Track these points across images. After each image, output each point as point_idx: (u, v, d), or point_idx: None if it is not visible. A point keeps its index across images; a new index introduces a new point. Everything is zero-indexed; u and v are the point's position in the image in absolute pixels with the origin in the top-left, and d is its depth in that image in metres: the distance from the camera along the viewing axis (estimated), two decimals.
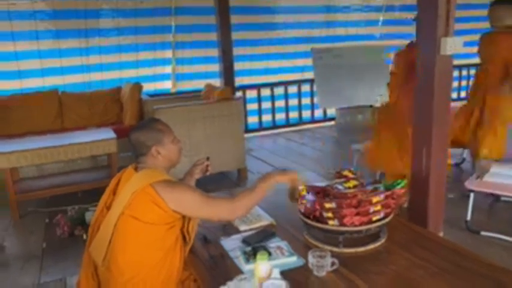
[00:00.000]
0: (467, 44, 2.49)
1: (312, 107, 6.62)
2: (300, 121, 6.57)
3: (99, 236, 1.73)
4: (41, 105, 4.59)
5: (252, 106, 6.13)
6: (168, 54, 5.70)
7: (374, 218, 1.74)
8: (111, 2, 5.15)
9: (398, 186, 1.82)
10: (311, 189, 1.87)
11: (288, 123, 6.48)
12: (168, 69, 5.77)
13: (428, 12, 2.20)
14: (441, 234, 2.50)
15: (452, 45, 2.16)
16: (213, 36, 5.38)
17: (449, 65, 2.27)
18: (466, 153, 4.09)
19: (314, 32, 6.51)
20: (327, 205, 1.73)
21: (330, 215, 1.72)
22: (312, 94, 6.55)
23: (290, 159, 4.87)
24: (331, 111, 6.75)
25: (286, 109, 6.42)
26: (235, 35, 5.22)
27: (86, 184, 3.70)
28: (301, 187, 1.83)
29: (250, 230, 1.96)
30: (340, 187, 1.88)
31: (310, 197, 1.81)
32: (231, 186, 4.02)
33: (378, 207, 1.75)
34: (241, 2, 5.69)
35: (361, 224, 1.70)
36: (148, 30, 5.42)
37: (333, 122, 6.74)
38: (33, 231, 3.28)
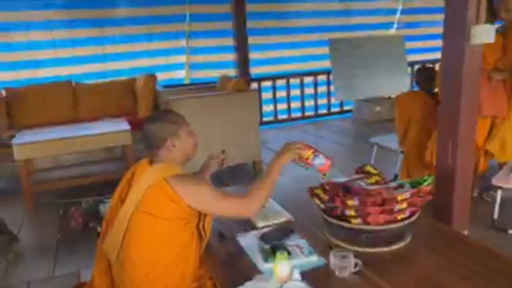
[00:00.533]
0: None
1: (329, 98, 6.48)
2: (316, 113, 6.46)
3: (113, 232, 1.67)
4: (56, 95, 4.58)
5: (267, 96, 6.03)
6: (182, 43, 5.64)
7: (399, 217, 1.65)
8: None
9: (425, 183, 1.73)
10: (331, 186, 1.79)
11: (303, 115, 6.37)
12: (182, 59, 5.71)
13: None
14: (466, 232, 2.40)
15: (483, 34, 2.04)
16: (228, 26, 5.29)
17: (479, 55, 2.15)
18: None
19: (329, 20, 6.36)
20: (350, 202, 1.65)
21: (352, 213, 1.64)
22: (328, 85, 6.41)
23: None
24: (348, 103, 6.62)
25: (302, 101, 6.30)
26: (249, 24, 5.13)
27: (101, 175, 3.68)
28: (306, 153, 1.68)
29: (268, 226, 1.89)
30: (362, 183, 1.79)
31: (316, 161, 1.65)
32: (246, 179, 3.96)
33: (404, 206, 1.66)
34: None
35: (385, 223, 1.62)
36: (162, 19, 5.35)
37: (350, 114, 6.61)
38: (47, 223, 3.27)
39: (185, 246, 1.63)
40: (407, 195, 1.66)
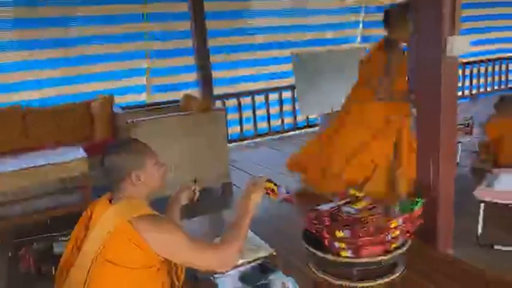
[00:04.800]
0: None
1: (294, 113, 6.41)
2: (283, 128, 6.35)
3: (70, 283, 1.43)
4: (3, 122, 4.19)
5: (232, 116, 5.86)
6: (142, 63, 5.38)
7: (392, 246, 1.51)
8: (78, 8, 4.78)
9: (416, 207, 1.60)
10: (316, 213, 1.63)
11: (269, 131, 6.25)
12: (142, 80, 5.44)
13: (431, 10, 2.01)
14: (451, 251, 2.31)
15: (460, 45, 1.97)
16: (189, 44, 5.11)
17: (455, 67, 2.08)
18: None
19: (290, 36, 6.33)
20: (339, 234, 1.49)
21: (342, 245, 1.48)
22: (293, 101, 6.34)
23: (276, 170, 4.60)
24: (313, 117, 6.57)
25: (268, 117, 6.19)
26: (210, 42, 4.98)
27: (54, 210, 3.34)
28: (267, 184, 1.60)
29: (248, 262, 1.70)
30: (350, 209, 1.64)
31: (281, 189, 1.60)
32: (215, 204, 3.73)
33: (396, 233, 1.52)
34: (216, 7, 5.43)
35: (379, 254, 1.47)
36: (119, 38, 5.08)
37: (316, 128, 6.55)
38: None
39: None
40: (399, 221, 1.52)
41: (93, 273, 1.35)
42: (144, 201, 1.52)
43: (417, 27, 2.17)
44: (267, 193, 1.59)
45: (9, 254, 3.04)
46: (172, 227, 1.41)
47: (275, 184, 1.62)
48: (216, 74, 5.36)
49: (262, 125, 6.19)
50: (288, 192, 1.63)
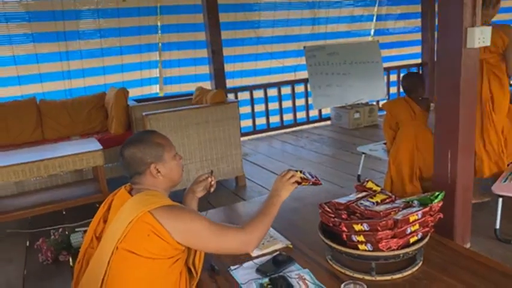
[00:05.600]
0: None
1: (307, 107, 6.38)
2: (295, 122, 6.33)
3: (90, 275, 1.44)
4: (19, 115, 4.24)
5: (244, 109, 5.85)
6: (154, 56, 5.39)
7: (412, 240, 1.49)
8: (91, 1, 4.80)
9: (436, 200, 1.58)
10: (332, 207, 1.62)
11: (282, 125, 6.23)
12: (155, 73, 5.46)
13: (453, 1, 1.97)
14: (468, 245, 2.28)
15: (481, 37, 1.93)
16: (202, 36, 5.10)
17: (476, 59, 2.04)
18: None
19: (303, 29, 6.27)
20: (357, 227, 1.48)
21: (361, 238, 1.47)
22: (306, 94, 6.31)
23: (288, 163, 4.61)
24: (326, 111, 6.53)
25: (280, 110, 6.17)
26: (223, 34, 4.96)
27: (71, 201, 3.37)
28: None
29: (264, 255, 1.69)
30: (367, 203, 1.63)
31: (307, 174, 1.67)
32: (229, 197, 3.75)
33: (416, 227, 1.50)
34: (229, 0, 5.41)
35: (399, 248, 1.45)
36: (132, 31, 5.09)
37: (328, 122, 6.52)
38: (12, 259, 2.93)
39: (173, 287, 1.41)
40: (419, 215, 1.50)
41: (114, 263, 1.35)
42: (164, 193, 1.53)
43: (439, 18, 2.13)
44: (300, 183, 1.63)
45: (27, 244, 3.10)
46: (194, 214, 1.42)
47: (300, 171, 1.67)
48: (228, 67, 5.35)
49: (275, 119, 6.17)
50: (313, 176, 1.69)
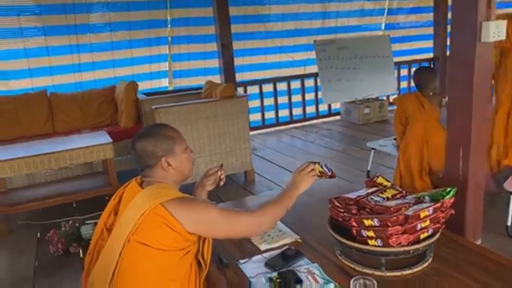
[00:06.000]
0: None
1: (317, 101, 6.34)
2: (304, 117, 6.30)
3: (101, 266, 1.45)
4: (30, 108, 4.28)
5: (254, 103, 5.84)
6: (164, 50, 5.40)
7: (422, 236, 1.48)
8: None
9: (448, 196, 1.56)
10: (342, 202, 1.61)
11: (291, 119, 6.21)
12: (164, 66, 5.47)
13: None
14: (479, 242, 2.26)
15: (496, 31, 1.89)
16: (211, 30, 5.09)
17: (489, 54, 2.00)
18: None
19: (314, 23, 6.22)
20: (367, 222, 1.47)
21: (371, 233, 1.46)
22: (315, 89, 6.27)
23: (298, 158, 4.60)
24: (335, 105, 6.49)
25: (290, 105, 6.14)
26: (232, 28, 4.94)
27: (81, 193, 3.41)
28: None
29: (272, 249, 1.69)
30: (377, 198, 1.61)
31: (325, 168, 1.70)
32: (238, 191, 3.75)
33: (427, 223, 1.48)
34: None
35: (409, 244, 1.44)
36: (142, 24, 5.09)
37: (338, 117, 6.49)
38: (23, 250, 2.97)
39: (184, 279, 1.43)
40: (430, 211, 1.49)
41: (125, 254, 1.36)
42: (175, 186, 1.53)
43: (453, 12, 2.09)
44: (319, 176, 1.66)
45: (38, 235, 3.14)
46: (205, 204, 1.44)
47: (318, 163, 1.69)
48: (237, 60, 5.33)
49: (284, 113, 6.15)
50: (329, 169, 1.72)
